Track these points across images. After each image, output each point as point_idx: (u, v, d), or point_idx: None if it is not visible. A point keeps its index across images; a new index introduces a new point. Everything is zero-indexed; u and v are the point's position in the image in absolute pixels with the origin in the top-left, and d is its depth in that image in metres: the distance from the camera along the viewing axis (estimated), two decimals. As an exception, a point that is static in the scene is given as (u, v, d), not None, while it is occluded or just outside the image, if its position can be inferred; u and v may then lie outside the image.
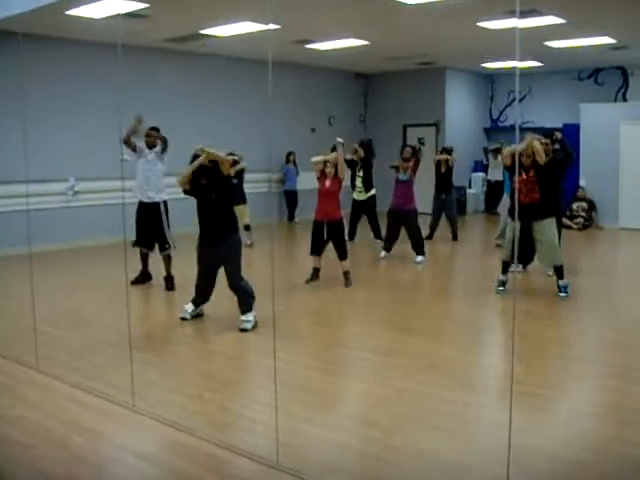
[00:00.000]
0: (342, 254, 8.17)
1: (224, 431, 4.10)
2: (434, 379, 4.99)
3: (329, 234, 8.11)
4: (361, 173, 10.91)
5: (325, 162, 8.20)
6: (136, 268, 8.20)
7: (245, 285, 6.29)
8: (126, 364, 4.68)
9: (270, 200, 13.84)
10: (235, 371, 5.41)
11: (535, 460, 3.63)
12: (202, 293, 6.54)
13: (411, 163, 9.78)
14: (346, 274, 8.18)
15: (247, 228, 11.11)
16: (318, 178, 8.24)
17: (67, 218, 11.19)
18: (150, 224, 8.07)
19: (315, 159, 8.26)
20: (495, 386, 4.87)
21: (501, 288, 7.58)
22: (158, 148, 8.08)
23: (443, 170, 11.84)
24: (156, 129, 8.19)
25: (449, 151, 12.11)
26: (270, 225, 11.89)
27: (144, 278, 8.34)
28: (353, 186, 11.03)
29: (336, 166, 8.03)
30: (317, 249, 8.20)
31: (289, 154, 14.41)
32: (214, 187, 6.23)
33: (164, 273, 8.16)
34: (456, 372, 5.21)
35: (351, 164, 10.82)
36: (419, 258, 9.73)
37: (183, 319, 6.56)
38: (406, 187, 9.83)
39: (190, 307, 6.58)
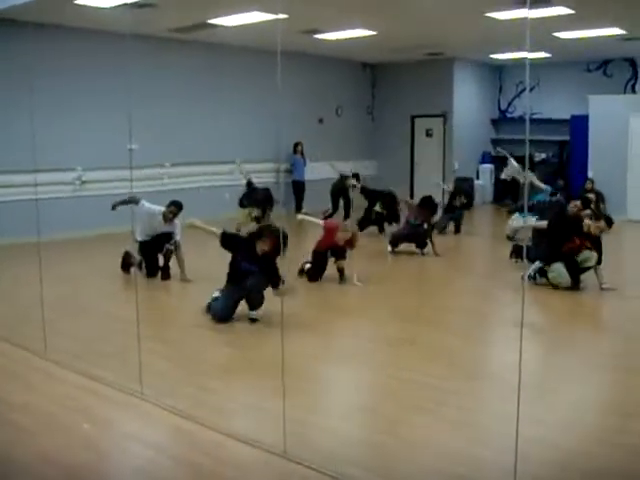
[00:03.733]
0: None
1: (232, 420, 4.11)
2: (441, 370, 4.99)
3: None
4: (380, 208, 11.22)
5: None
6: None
7: (262, 292, 6.24)
8: (134, 352, 4.70)
9: (278, 190, 13.84)
10: (243, 361, 5.43)
11: (541, 450, 3.64)
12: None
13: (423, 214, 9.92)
14: (340, 272, 8.00)
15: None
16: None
17: (75, 207, 11.20)
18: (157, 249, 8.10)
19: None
20: (502, 377, 4.86)
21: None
22: (176, 222, 8.06)
23: (458, 204, 11.81)
24: (179, 206, 8.10)
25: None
26: (278, 216, 11.89)
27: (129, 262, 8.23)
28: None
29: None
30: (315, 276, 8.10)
31: (297, 144, 14.37)
32: (254, 263, 6.16)
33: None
34: (464, 363, 5.21)
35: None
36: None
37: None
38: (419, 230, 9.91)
39: None
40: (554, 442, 3.76)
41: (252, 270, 6.12)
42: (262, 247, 6.12)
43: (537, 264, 7.72)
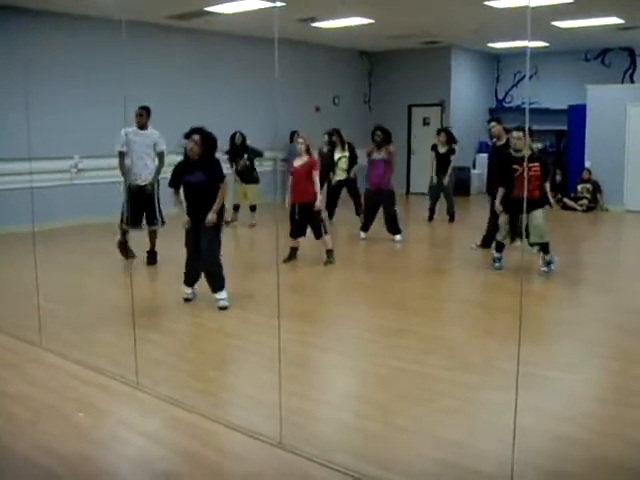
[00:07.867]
0: (317, 234, 8.18)
1: (227, 409, 4.11)
2: (436, 359, 4.98)
3: (303, 215, 8.11)
4: (347, 153, 11.01)
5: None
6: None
7: (218, 267, 6.25)
8: (129, 341, 4.68)
9: (275, 179, 13.81)
10: (237, 349, 5.42)
11: (538, 440, 3.63)
12: (190, 273, 6.48)
13: (388, 147, 9.77)
14: (328, 252, 8.22)
15: (252, 209, 11.14)
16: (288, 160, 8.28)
17: (71, 196, 11.17)
18: (143, 204, 8.02)
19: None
20: (497, 366, 4.85)
21: (497, 264, 7.94)
22: (150, 129, 8.08)
23: (443, 151, 11.67)
24: (147, 109, 8.03)
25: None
26: (275, 204, 11.88)
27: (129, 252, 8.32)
28: (333, 169, 11.08)
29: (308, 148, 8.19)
30: (296, 232, 8.24)
31: (293, 133, 14.32)
32: (200, 168, 6.15)
33: (148, 248, 8.24)
34: (458, 352, 5.20)
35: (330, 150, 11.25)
36: (397, 237, 9.84)
37: (187, 300, 6.53)
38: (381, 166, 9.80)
39: (187, 289, 6.54)
40: (551, 431, 3.75)
41: (197, 180, 6.11)
42: (191, 146, 6.08)
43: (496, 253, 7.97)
